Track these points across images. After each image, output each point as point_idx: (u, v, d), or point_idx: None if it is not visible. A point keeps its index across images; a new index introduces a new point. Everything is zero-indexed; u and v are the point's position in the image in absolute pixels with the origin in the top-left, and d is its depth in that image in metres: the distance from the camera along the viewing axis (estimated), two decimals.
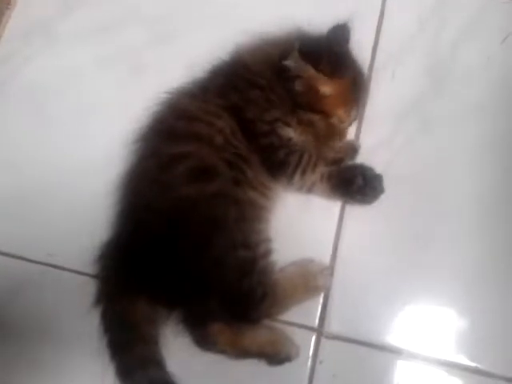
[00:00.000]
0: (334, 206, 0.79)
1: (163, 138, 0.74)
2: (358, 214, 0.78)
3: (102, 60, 0.88)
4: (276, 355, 0.72)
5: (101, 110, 0.86)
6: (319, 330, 0.75)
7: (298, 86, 0.74)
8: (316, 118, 0.76)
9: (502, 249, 0.76)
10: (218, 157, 0.72)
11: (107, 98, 0.86)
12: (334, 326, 0.75)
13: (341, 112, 0.76)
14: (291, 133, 0.76)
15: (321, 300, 0.75)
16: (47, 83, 0.88)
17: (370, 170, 0.77)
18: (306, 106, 0.75)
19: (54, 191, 0.82)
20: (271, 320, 0.74)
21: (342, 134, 0.79)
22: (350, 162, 0.79)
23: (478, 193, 0.79)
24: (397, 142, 0.81)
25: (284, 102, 0.75)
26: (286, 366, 0.72)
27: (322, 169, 0.76)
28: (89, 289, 0.75)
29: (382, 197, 0.76)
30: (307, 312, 0.75)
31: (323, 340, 0.74)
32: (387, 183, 0.76)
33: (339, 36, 0.78)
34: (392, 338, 0.74)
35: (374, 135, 0.81)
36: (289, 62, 0.74)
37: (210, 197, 0.70)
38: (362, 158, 0.79)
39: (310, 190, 0.77)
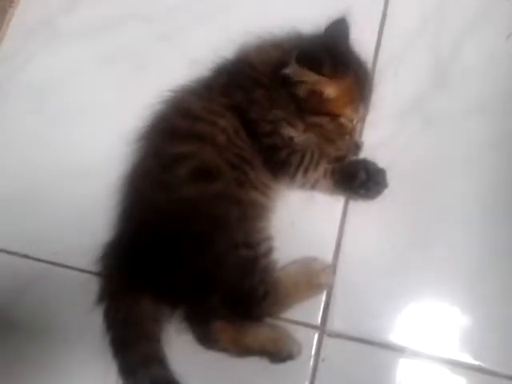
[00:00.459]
0: (336, 204, 0.79)
1: (166, 137, 0.74)
2: (361, 212, 0.78)
3: (105, 58, 0.88)
4: (278, 353, 0.72)
5: (103, 109, 0.86)
6: (321, 328, 0.75)
7: (302, 92, 0.73)
8: (324, 120, 0.75)
9: (507, 247, 0.76)
10: (220, 157, 0.72)
11: (109, 96, 0.86)
12: (336, 324, 0.74)
13: (348, 111, 0.75)
14: (293, 132, 0.75)
15: (323, 298, 0.75)
16: (49, 81, 0.88)
17: (373, 164, 0.76)
18: (311, 110, 0.74)
19: (57, 190, 0.83)
20: (273, 318, 0.74)
21: (352, 132, 0.77)
22: (352, 158, 0.78)
23: (480, 191, 0.78)
24: (399, 141, 0.81)
25: (288, 105, 0.75)
26: (289, 363, 0.72)
27: (324, 166, 0.76)
28: (92, 287, 0.75)
29: (385, 195, 0.76)
30: (309, 310, 0.75)
31: (325, 338, 0.74)
32: (390, 181, 0.76)
33: (338, 32, 0.78)
34: (395, 336, 0.74)
35: (377, 133, 0.81)
36: (288, 71, 0.72)
37: (212, 197, 0.70)
38: (365, 156, 0.79)
39: (313, 187, 0.77)
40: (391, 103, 0.81)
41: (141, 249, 0.71)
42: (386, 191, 0.76)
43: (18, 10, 0.92)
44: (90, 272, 0.78)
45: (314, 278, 0.74)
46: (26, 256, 0.81)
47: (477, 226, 0.77)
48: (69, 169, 0.83)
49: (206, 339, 0.72)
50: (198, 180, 0.70)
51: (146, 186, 0.73)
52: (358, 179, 0.75)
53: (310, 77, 0.72)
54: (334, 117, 0.75)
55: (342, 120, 0.75)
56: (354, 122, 0.77)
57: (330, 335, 0.74)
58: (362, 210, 0.78)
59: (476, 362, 0.72)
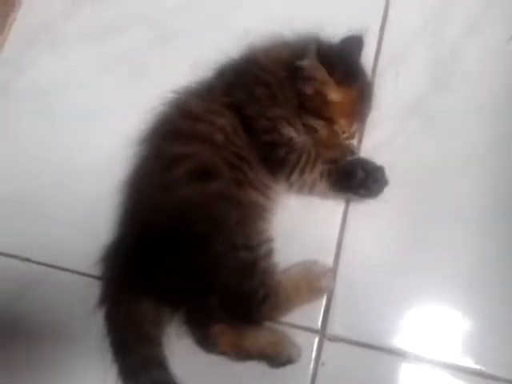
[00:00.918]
0: (337, 207, 0.78)
1: (168, 138, 0.75)
2: (362, 215, 0.78)
3: (106, 61, 0.89)
4: (278, 357, 0.71)
5: (104, 111, 0.86)
6: (322, 332, 0.74)
7: (308, 89, 0.74)
8: (320, 124, 0.75)
9: (508, 250, 0.75)
10: (218, 156, 0.72)
11: (111, 98, 0.87)
12: (336, 328, 0.74)
13: (343, 122, 0.75)
14: (293, 132, 0.75)
15: (324, 302, 0.75)
16: (51, 84, 0.89)
17: (370, 162, 0.75)
18: (312, 110, 0.75)
19: (58, 192, 0.83)
20: (273, 322, 0.73)
21: (341, 143, 0.77)
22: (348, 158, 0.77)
23: (481, 191, 0.78)
24: (400, 143, 0.80)
25: (290, 104, 0.75)
26: (288, 368, 0.71)
27: (320, 167, 0.75)
28: (93, 290, 0.75)
29: (385, 197, 0.75)
30: (310, 314, 0.74)
31: (326, 342, 0.74)
32: (391, 183, 0.75)
33: (353, 46, 0.79)
34: (396, 341, 0.73)
35: (378, 135, 0.81)
36: (304, 62, 0.72)
37: (210, 197, 0.70)
38: (365, 156, 0.78)
39: (311, 190, 0.76)
40: (392, 104, 0.81)
41: (141, 251, 0.71)
42: (386, 193, 0.75)
43: (20, 14, 0.93)
44: (90, 275, 0.78)
45: (315, 282, 0.74)
46: (26, 259, 0.81)
47: (478, 229, 0.77)
48: (70, 172, 0.84)
49: (206, 342, 0.72)
50: (196, 180, 0.70)
51: (147, 187, 0.73)
52: (356, 178, 0.73)
53: (322, 75, 0.72)
54: (330, 123, 0.75)
55: (336, 128, 0.75)
56: (345, 136, 0.77)
57: (330, 339, 0.74)
58: (363, 212, 0.77)
59: (477, 367, 0.71)
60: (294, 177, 0.74)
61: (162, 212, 0.70)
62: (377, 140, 0.80)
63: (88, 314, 0.73)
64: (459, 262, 0.75)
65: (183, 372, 0.72)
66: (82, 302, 0.75)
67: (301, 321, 0.74)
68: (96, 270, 0.76)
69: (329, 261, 0.76)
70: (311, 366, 0.73)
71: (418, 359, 0.72)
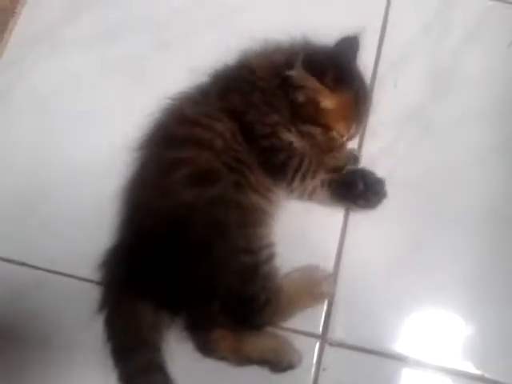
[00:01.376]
0: (337, 212, 0.79)
1: (165, 143, 0.74)
2: (362, 221, 0.78)
3: (106, 66, 0.89)
4: (278, 362, 0.71)
5: (105, 116, 0.86)
6: (323, 337, 0.74)
7: (301, 97, 0.74)
8: (316, 130, 0.75)
9: (509, 255, 0.76)
10: (218, 161, 0.72)
11: (111, 103, 0.86)
12: (337, 333, 0.74)
13: (340, 126, 0.75)
14: (292, 137, 0.75)
15: (324, 307, 0.75)
16: (52, 89, 0.88)
17: (371, 174, 0.76)
18: (306, 117, 0.75)
19: (57, 197, 0.82)
20: (274, 327, 0.73)
21: (341, 147, 0.78)
22: (350, 168, 0.78)
23: (481, 199, 0.79)
24: (399, 149, 0.81)
25: (285, 111, 0.75)
26: (290, 373, 0.71)
27: (322, 175, 0.75)
28: (92, 296, 0.74)
29: (385, 203, 0.76)
30: (311, 319, 0.74)
31: (327, 347, 0.74)
32: (390, 190, 0.76)
33: (347, 49, 0.79)
34: (396, 346, 0.73)
35: (377, 142, 0.81)
36: (293, 72, 0.73)
37: (211, 201, 0.70)
38: (364, 165, 0.79)
39: (310, 197, 0.76)
40: (391, 111, 0.82)
41: (141, 255, 0.70)
42: (386, 200, 0.76)
43: (20, 18, 0.93)
44: (89, 280, 0.77)
45: (316, 287, 0.74)
46: (23, 264, 0.80)
47: (478, 234, 0.77)
48: (69, 176, 0.83)
49: (206, 347, 0.72)
50: (195, 184, 0.70)
51: (146, 192, 0.73)
52: (356, 190, 0.74)
53: (312, 83, 0.72)
54: (326, 129, 0.75)
55: (333, 134, 0.76)
56: (344, 138, 0.77)
57: (331, 344, 0.74)
58: (363, 218, 0.78)
59: (478, 372, 0.72)
60: (296, 183, 0.75)
61: (161, 217, 0.70)
62: (377, 147, 0.81)
63: (87, 320, 0.73)
64: (460, 267, 0.76)
65: (183, 377, 0.72)
66: (80, 308, 0.74)
67: (302, 326, 0.74)
68: (95, 275, 0.75)
69: (329, 266, 0.77)
70: (312, 371, 0.73)
71: (419, 364, 0.73)
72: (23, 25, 0.92)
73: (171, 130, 0.75)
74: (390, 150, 0.81)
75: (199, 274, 0.69)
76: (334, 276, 0.76)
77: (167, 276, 0.69)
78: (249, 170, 0.73)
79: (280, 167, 0.74)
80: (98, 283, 0.76)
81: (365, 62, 0.81)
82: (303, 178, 0.75)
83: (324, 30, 0.80)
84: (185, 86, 0.79)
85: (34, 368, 0.75)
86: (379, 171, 0.77)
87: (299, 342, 0.73)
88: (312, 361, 0.73)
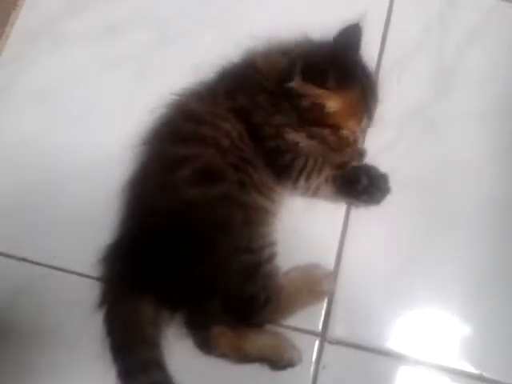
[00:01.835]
0: (338, 210, 0.79)
1: (170, 139, 0.74)
2: (363, 219, 0.78)
3: (108, 62, 0.88)
4: (278, 360, 0.71)
5: (106, 112, 0.85)
6: (322, 335, 0.74)
7: (305, 103, 0.74)
8: (326, 132, 0.75)
9: (508, 255, 0.76)
10: (224, 160, 0.71)
11: (112, 99, 0.86)
12: (337, 331, 0.74)
13: (350, 123, 0.75)
14: (298, 138, 0.75)
15: (324, 305, 0.75)
16: (53, 84, 0.88)
17: (375, 169, 0.76)
18: (313, 121, 0.74)
19: (58, 193, 0.82)
20: (274, 325, 0.73)
21: (354, 142, 0.78)
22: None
23: (481, 198, 0.79)
24: (401, 148, 0.81)
25: (291, 113, 0.75)
26: (289, 370, 0.71)
27: (327, 172, 0.75)
28: (92, 292, 0.74)
29: (387, 201, 0.76)
30: (311, 317, 0.74)
31: (326, 345, 0.74)
32: (392, 188, 0.76)
33: (349, 39, 0.78)
34: (395, 344, 0.74)
35: (379, 140, 0.81)
36: (292, 85, 0.73)
37: (215, 200, 0.70)
38: (367, 162, 0.79)
39: (315, 194, 0.76)
40: (393, 110, 0.82)
41: (142, 252, 0.70)
42: (388, 198, 0.76)
43: (21, 12, 0.92)
44: (89, 277, 0.77)
45: (316, 285, 0.74)
46: (23, 259, 0.80)
47: (478, 234, 0.77)
48: (70, 172, 0.83)
49: (206, 344, 0.72)
50: (200, 182, 0.70)
51: (148, 188, 0.73)
52: (359, 185, 0.74)
53: (313, 91, 0.72)
54: (336, 129, 0.75)
55: (344, 132, 0.75)
56: (357, 132, 0.77)
57: (330, 342, 0.74)
58: (364, 216, 0.78)
59: (477, 371, 0.72)
60: (301, 182, 0.75)
61: (164, 213, 0.70)
62: (378, 145, 0.81)
63: (86, 316, 0.73)
64: (460, 266, 0.76)
65: (182, 374, 0.72)
66: (80, 304, 0.74)
67: (302, 324, 0.74)
68: (95, 272, 0.75)
69: (330, 264, 0.77)
70: (312, 369, 0.73)
71: (418, 363, 0.73)
72: (24, 19, 0.92)
73: (177, 125, 0.75)
74: (392, 147, 0.81)
75: (201, 271, 0.69)
76: (334, 274, 0.76)
77: (168, 273, 0.69)
78: (254, 170, 0.73)
79: (285, 168, 0.74)
80: (98, 279, 0.75)
81: (367, 59, 0.81)
82: (308, 177, 0.75)
83: (326, 29, 0.80)
84: (186, 82, 0.79)
85: (33, 363, 0.75)
86: (381, 168, 0.77)
87: (299, 340, 0.73)
88: (311, 359, 0.73)
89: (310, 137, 0.75)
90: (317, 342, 0.74)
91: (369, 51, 0.82)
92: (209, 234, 0.69)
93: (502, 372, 0.72)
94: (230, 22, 0.89)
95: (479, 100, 0.83)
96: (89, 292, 0.74)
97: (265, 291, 0.70)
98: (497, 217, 0.78)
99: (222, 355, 0.71)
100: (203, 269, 0.69)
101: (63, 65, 0.89)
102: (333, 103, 0.73)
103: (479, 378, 0.72)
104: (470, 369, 0.72)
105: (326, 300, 0.75)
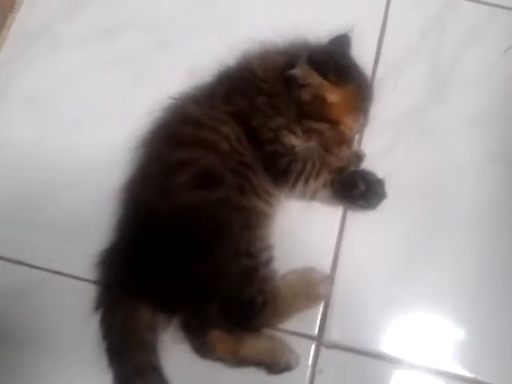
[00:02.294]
0: (335, 215, 0.79)
1: (168, 143, 0.74)
2: (360, 223, 0.78)
3: (104, 65, 0.88)
4: (275, 364, 0.71)
5: (103, 115, 0.85)
6: (319, 339, 0.74)
7: (305, 95, 0.75)
8: (324, 126, 0.76)
9: (503, 260, 0.77)
10: (223, 164, 0.72)
11: (109, 102, 0.86)
12: (333, 335, 0.74)
13: (349, 119, 0.77)
14: (295, 140, 0.76)
15: (321, 309, 0.75)
16: (50, 86, 0.87)
17: (372, 175, 0.77)
18: (313, 115, 0.76)
19: (55, 196, 0.82)
20: (271, 329, 0.73)
21: (350, 141, 0.79)
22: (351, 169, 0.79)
23: (478, 203, 0.79)
24: (398, 152, 0.82)
25: (289, 111, 0.75)
26: (285, 374, 0.71)
27: (325, 176, 0.76)
28: (88, 295, 0.74)
29: (384, 205, 0.76)
30: (307, 321, 0.75)
31: (323, 349, 0.74)
32: (388, 192, 0.76)
33: (341, 45, 0.80)
34: (392, 348, 0.74)
35: (376, 144, 0.82)
36: (296, 71, 0.74)
37: (214, 204, 0.70)
38: (363, 167, 0.79)
39: (312, 197, 0.77)
40: (390, 114, 0.82)
41: (140, 255, 0.70)
42: (384, 202, 0.77)
43: (18, 15, 0.92)
44: (86, 280, 0.77)
45: (313, 289, 0.74)
46: (19, 262, 0.80)
47: (474, 238, 0.78)
48: (67, 175, 0.83)
49: (203, 349, 0.71)
50: (199, 186, 0.70)
51: (146, 192, 0.72)
52: (357, 190, 0.75)
53: (316, 80, 0.73)
54: (334, 124, 0.76)
55: (342, 128, 0.76)
56: (353, 131, 0.78)
57: (327, 346, 0.74)
58: (361, 220, 0.78)
59: (471, 375, 0.72)
60: (299, 186, 0.75)
61: (162, 217, 0.70)
62: (375, 150, 0.81)
63: (83, 320, 0.72)
64: (456, 271, 0.76)
65: (179, 378, 0.72)
66: (76, 307, 0.74)
67: (298, 327, 0.74)
68: (92, 275, 0.75)
69: (326, 268, 0.77)
70: (308, 372, 0.73)
71: (414, 367, 0.73)
72: (21, 22, 0.91)
73: (174, 129, 0.75)
74: (388, 152, 0.82)
75: (199, 275, 0.69)
76: (330, 278, 0.76)
77: (166, 277, 0.69)
78: (253, 174, 0.73)
79: (283, 172, 0.75)
80: (95, 283, 0.75)
81: (364, 63, 0.82)
82: (306, 181, 0.75)
83: (323, 32, 0.81)
84: (183, 85, 0.79)
85: (30, 366, 0.75)
86: (378, 173, 0.77)
87: (295, 344, 0.73)
88: (308, 363, 0.73)
89: (308, 134, 0.76)
90: (313, 346, 0.74)
91: (365, 56, 0.83)
92: (207, 238, 0.69)
93: (496, 376, 0.72)
94: (227, 25, 0.89)
95: (475, 104, 0.84)
96: (86, 295, 0.74)
97: (262, 294, 0.70)
98: (492, 223, 0.78)
99: (219, 359, 0.71)
100: (202, 272, 0.69)
101: (60, 67, 0.88)
102: (334, 96, 0.75)
103: (474, 381, 0.72)
104: (465, 372, 0.72)
105: (322, 304, 0.75)
